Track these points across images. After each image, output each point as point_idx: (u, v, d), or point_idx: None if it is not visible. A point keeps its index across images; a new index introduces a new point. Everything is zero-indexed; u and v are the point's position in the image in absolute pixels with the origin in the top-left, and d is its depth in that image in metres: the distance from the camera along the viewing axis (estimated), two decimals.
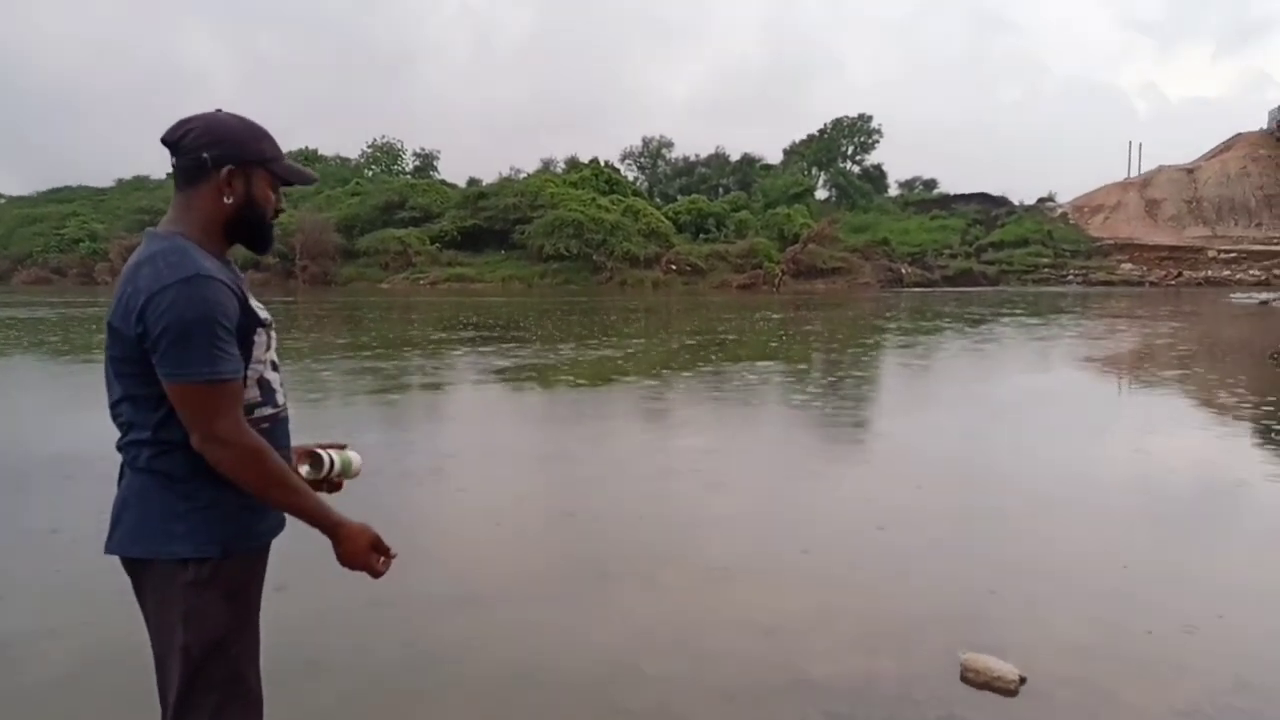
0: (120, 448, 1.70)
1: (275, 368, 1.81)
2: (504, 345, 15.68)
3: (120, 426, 1.69)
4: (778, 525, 4.95)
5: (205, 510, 1.65)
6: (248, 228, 1.74)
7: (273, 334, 1.79)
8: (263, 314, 1.74)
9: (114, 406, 1.69)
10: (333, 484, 1.95)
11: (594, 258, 46.67)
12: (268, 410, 1.76)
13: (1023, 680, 2.98)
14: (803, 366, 13.41)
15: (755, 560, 4.33)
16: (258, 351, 1.72)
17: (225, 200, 1.68)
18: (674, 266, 47.12)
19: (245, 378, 1.68)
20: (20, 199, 65.17)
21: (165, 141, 1.68)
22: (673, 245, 48.76)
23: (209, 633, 1.65)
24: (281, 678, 2.40)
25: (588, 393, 10.42)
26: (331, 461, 1.90)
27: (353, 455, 1.97)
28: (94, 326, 19.68)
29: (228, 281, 1.63)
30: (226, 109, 1.74)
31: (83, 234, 52.43)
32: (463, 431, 8.28)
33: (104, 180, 66.19)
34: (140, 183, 63.91)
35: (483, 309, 27.52)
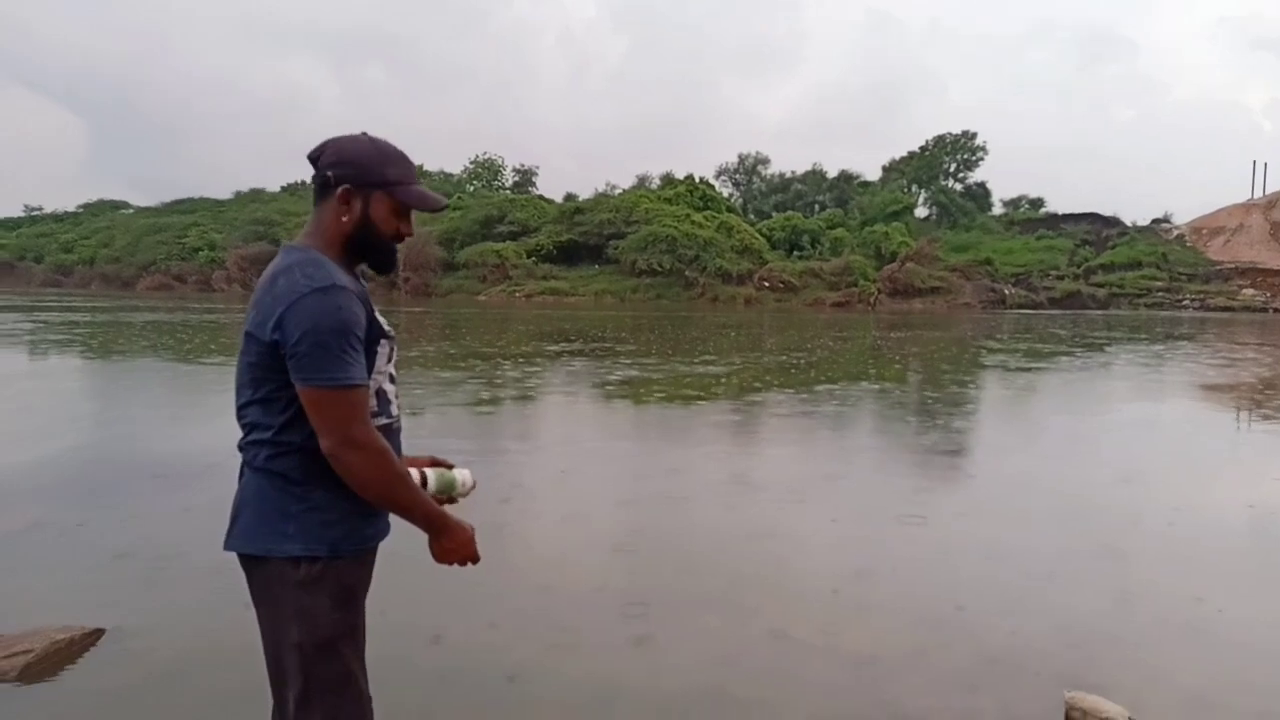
0: (241, 448, 1.78)
1: (393, 379, 1.88)
2: (599, 359, 15.82)
3: (244, 428, 1.76)
4: (873, 554, 4.83)
5: (316, 511, 1.71)
6: (365, 247, 1.79)
7: (394, 346, 1.86)
8: (386, 327, 1.81)
9: (241, 409, 1.76)
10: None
11: (686, 273, 46.76)
12: (382, 420, 1.81)
13: None
14: (902, 390, 13.10)
15: (849, 589, 4.23)
16: (379, 362, 1.79)
17: (342, 219, 1.76)
18: (767, 283, 46.80)
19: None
20: (147, 210, 69.37)
21: (309, 157, 1.78)
22: (766, 262, 48.50)
23: (320, 633, 1.71)
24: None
25: (681, 409, 10.41)
26: (424, 479, 1.92)
27: (458, 475, 2.00)
28: (222, 332, 20.66)
29: (358, 293, 1.71)
30: (359, 130, 1.82)
31: (202, 243, 55.36)
32: (553, 445, 8.37)
33: (223, 193, 70.01)
34: (256, 195, 67.25)
35: (576, 322, 27.84)
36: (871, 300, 44.52)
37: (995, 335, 25.49)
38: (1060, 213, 63.70)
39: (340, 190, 1.74)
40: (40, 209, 77.56)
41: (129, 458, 6.93)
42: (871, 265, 47.28)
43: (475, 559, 1.86)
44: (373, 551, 1.86)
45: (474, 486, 2.03)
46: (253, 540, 1.73)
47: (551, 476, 6.69)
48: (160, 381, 12.42)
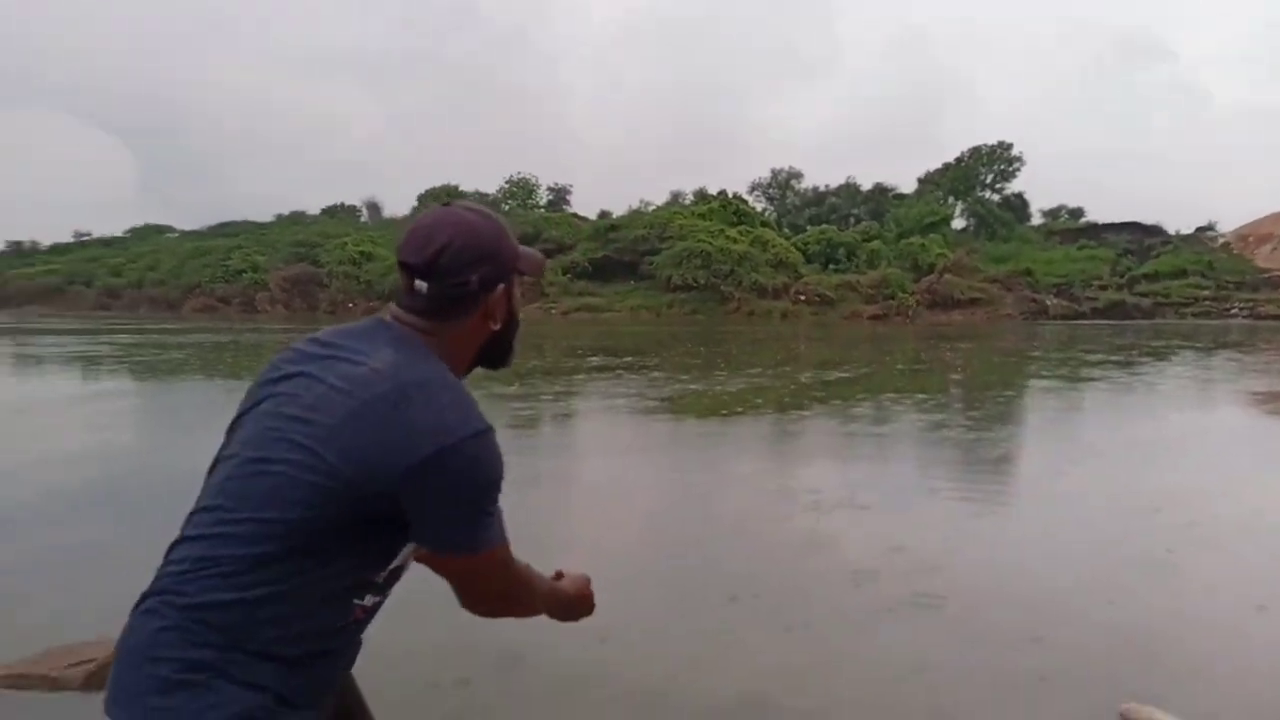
0: (165, 588, 1.23)
1: None
2: (637, 374, 15.84)
3: (192, 562, 1.21)
4: (921, 566, 4.76)
5: (236, 693, 1.18)
6: (503, 346, 1.45)
7: None
8: None
9: (228, 515, 1.22)
10: None
11: (721, 288, 46.68)
12: (372, 600, 1.33)
13: None
14: (943, 401, 12.95)
15: (897, 602, 4.18)
16: None
17: (493, 326, 1.39)
18: (803, 297, 46.59)
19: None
20: (191, 233, 70.82)
21: (411, 264, 1.32)
22: (801, 276, 48.29)
23: None
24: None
25: (721, 423, 10.38)
26: None
27: None
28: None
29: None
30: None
31: (245, 265, 56.36)
32: (596, 459, 8.40)
33: (264, 216, 71.31)
34: (297, 217, 68.52)
35: (613, 338, 27.91)
36: (909, 312, 44.13)
37: (1045, 346, 25.11)
38: (1101, 222, 62.74)
39: (499, 291, 1.37)
40: (89, 234, 79.59)
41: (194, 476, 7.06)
42: (909, 277, 46.88)
43: (591, 612, 1.66)
44: None
45: None
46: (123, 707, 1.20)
47: (586, 486, 6.70)
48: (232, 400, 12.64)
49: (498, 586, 1.34)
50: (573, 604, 1.60)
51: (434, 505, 1.21)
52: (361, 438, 1.19)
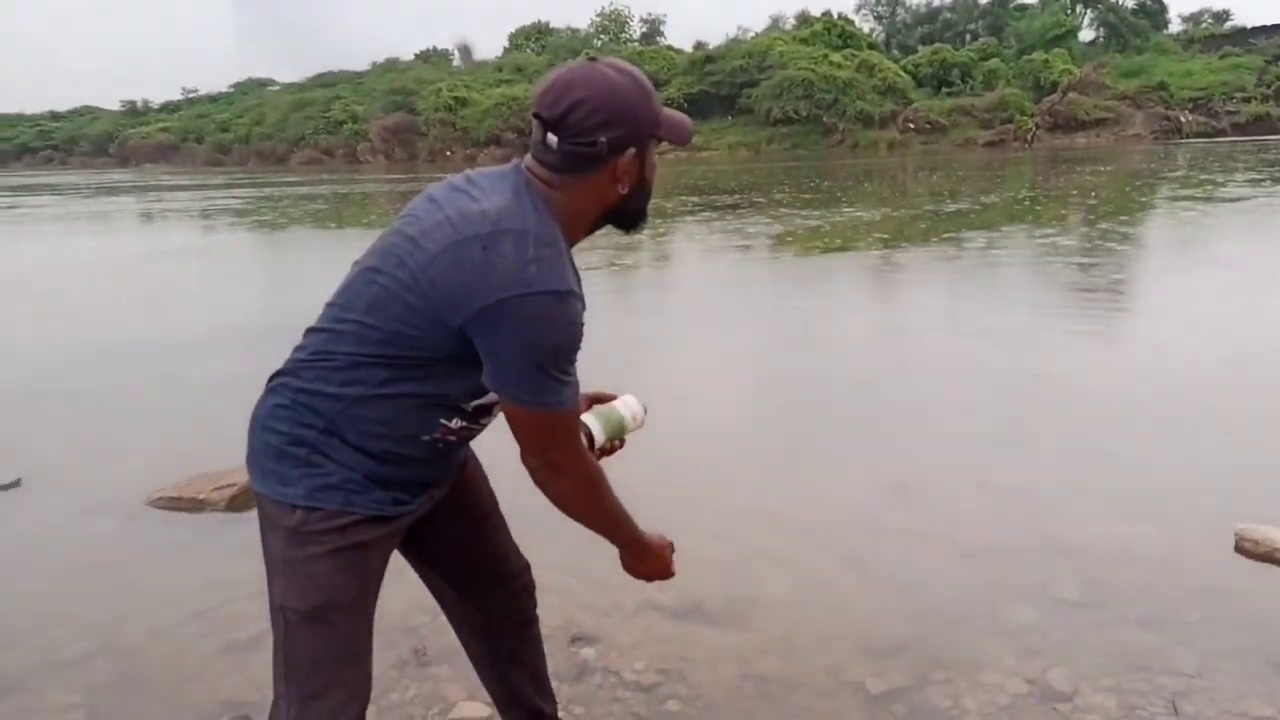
0: (289, 370, 1.41)
1: None
2: (737, 213, 15.61)
3: (312, 354, 1.38)
4: (1031, 391, 4.73)
5: (333, 466, 1.37)
6: (632, 211, 1.42)
7: None
8: None
9: (325, 331, 1.38)
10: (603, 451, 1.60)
11: (824, 119, 44.70)
12: (460, 424, 1.43)
13: None
14: (1057, 230, 12.36)
15: (1007, 425, 4.20)
16: None
17: (620, 190, 1.35)
18: (912, 125, 44.24)
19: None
20: (291, 86, 71.44)
21: (543, 117, 1.29)
22: (911, 102, 45.67)
23: (309, 598, 1.38)
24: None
25: (826, 259, 10.24)
26: (589, 435, 1.55)
27: (624, 411, 1.62)
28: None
29: (581, 295, 1.33)
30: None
31: (345, 116, 56.87)
32: (703, 296, 8.46)
33: (360, 64, 71.16)
34: (392, 65, 68.07)
35: (710, 178, 27.36)
36: (1028, 137, 41.45)
37: (1172, 168, 23.38)
38: (1250, 25, 56.41)
39: (629, 155, 1.31)
40: (196, 90, 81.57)
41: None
42: (1028, 98, 43.70)
43: (669, 577, 1.62)
44: (398, 520, 1.46)
45: (645, 414, 1.65)
46: (253, 474, 1.43)
47: (696, 323, 6.80)
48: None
49: (554, 457, 1.36)
50: (647, 551, 1.57)
51: (498, 350, 1.26)
52: (450, 270, 1.25)
